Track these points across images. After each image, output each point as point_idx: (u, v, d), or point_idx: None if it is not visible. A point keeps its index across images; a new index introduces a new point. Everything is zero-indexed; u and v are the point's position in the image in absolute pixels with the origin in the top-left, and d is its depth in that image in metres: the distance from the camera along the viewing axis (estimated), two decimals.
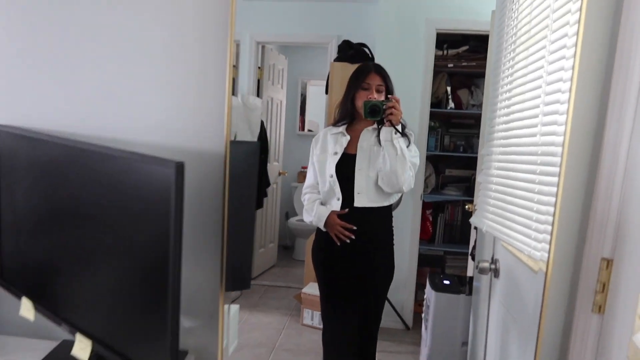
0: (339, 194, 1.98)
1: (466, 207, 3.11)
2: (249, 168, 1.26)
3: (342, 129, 2.05)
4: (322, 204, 2.06)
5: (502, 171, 1.58)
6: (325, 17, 4.25)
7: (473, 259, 2.67)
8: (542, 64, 1.26)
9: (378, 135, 1.95)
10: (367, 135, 1.99)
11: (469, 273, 2.95)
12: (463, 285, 2.34)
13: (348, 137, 2.02)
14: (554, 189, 1.18)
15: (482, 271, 1.79)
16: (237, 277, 1.32)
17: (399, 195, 2.08)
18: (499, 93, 1.69)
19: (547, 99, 1.23)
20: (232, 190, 1.24)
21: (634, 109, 0.90)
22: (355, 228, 1.97)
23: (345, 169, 1.98)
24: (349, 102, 2.02)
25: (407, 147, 1.93)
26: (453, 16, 3.50)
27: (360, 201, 1.96)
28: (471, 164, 3.90)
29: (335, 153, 2.01)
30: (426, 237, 3.88)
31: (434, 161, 3.90)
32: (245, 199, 1.28)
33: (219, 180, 1.23)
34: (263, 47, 4.54)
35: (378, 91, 1.96)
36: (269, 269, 5.05)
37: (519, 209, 1.42)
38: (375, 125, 1.98)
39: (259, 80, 4.56)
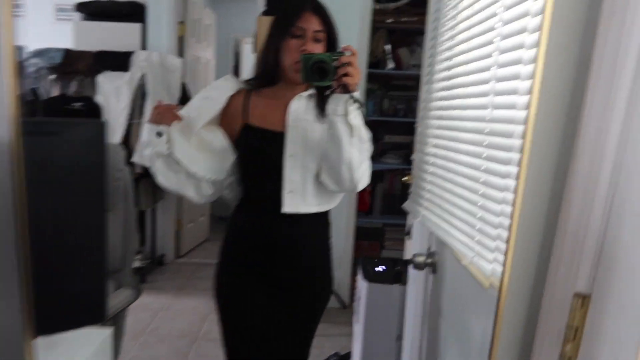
0: (257, 191, 1.41)
1: (403, 178, 2.86)
2: (90, 158, 0.89)
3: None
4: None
5: (441, 150, 1.28)
6: None
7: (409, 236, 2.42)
8: (497, 9, 0.94)
9: (320, 105, 1.37)
10: (300, 105, 1.37)
11: (405, 254, 2.71)
12: (399, 271, 2.08)
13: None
14: (509, 182, 0.89)
15: (417, 266, 1.51)
16: (85, 308, 0.96)
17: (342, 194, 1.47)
18: (437, 52, 1.37)
19: (502, 58, 0.91)
20: (64, 190, 0.86)
21: (633, 68, 0.59)
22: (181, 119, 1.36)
23: (268, 153, 1.37)
24: (271, 57, 1.36)
25: None
26: None
27: (291, 204, 1.35)
28: (412, 129, 3.63)
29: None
30: (364, 208, 3.62)
31: (372, 127, 3.58)
32: (88, 200, 0.91)
33: (5, 179, 0.82)
34: None
35: (316, 40, 1.32)
36: (200, 244, 4.68)
37: (461, 202, 1.12)
38: (310, 90, 1.39)
39: (181, 37, 4.05)
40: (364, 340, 2.03)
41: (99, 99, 3.43)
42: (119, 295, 1.74)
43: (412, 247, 1.80)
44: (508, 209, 0.89)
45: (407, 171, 3.51)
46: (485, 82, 0.98)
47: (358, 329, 2.10)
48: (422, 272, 1.58)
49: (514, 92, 0.87)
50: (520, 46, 0.83)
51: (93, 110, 3.41)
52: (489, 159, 0.97)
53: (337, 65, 1.20)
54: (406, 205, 1.55)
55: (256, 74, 1.44)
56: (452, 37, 1.28)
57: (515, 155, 0.86)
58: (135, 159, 3.42)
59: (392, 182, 3.59)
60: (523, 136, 0.74)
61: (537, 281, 0.75)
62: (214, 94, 1.41)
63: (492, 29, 0.95)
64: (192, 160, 1.35)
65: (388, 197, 3.61)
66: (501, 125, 0.92)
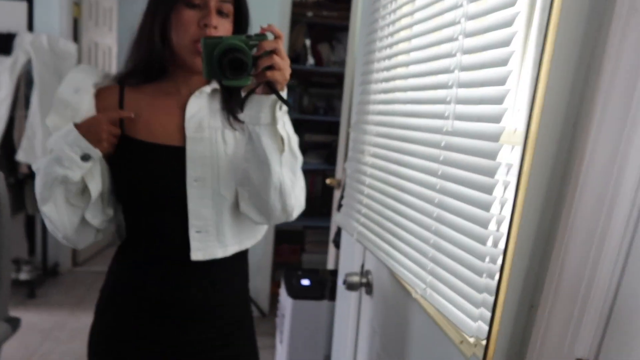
0: (143, 235, 1.04)
1: (326, 181, 2.71)
2: None
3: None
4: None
5: (382, 161, 1.12)
6: None
7: (336, 246, 2.28)
8: None
9: (225, 107, 1.03)
10: (201, 106, 1.02)
11: (330, 262, 2.57)
12: (325, 285, 1.92)
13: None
14: (471, 209, 0.74)
15: (351, 287, 1.36)
16: None
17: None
18: (374, 48, 1.21)
19: (467, 59, 0.76)
20: None
21: None
22: (132, 116, 0.99)
23: (162, 179, 1.00)
24: (154, 36, 0.98)
25: None
26: None
27: (203, 249, 1.01)
28: (333, 128, 3.51)
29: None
30: None
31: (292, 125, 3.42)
32: None
33: None
34: None
35: (221, 14, 0.97)
36: (102, 250, 4.21)
37: (408, 224, 0.97)
38: (211, 85, 1.03)
39: (76, 20, 3.59)
40: None
41: None
42: None
43: (343, 262, 1.65)
44: (467, 241, 0.75)
45: (328, 171, 3.39)
46: (443, 86, 0.83)
47: (282, 349, 1.92)
48: (353, 297, 1.43)
49: (482, 101, 0.72)
50: (495, 44, 0.68)
51: None
52: (446, 177, 0.83)
53: (257, 55, 0.84)
54: (339, 219, 1.38)
55: (131, 65, 1.03)
56: (393, 33, 1.13)
57: (483, 179, 0.71)
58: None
59: (312, 183, 3.43)
60: (520, 154, 0.59)
61: (522, 342, 0.61)
62: (74, 100, 0.98)
63: (453, 22, 0.79)
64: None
65: (309, 198, 3.42)
66: (464, 140, 0.77)
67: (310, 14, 3.19)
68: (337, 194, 2.50)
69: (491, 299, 0.64)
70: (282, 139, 0.91)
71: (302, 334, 1.82)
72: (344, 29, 3.28)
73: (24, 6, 3.31)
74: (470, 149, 0.75)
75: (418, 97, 0.97)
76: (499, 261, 0.64)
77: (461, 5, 0.77)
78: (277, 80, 0.86)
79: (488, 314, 0.66)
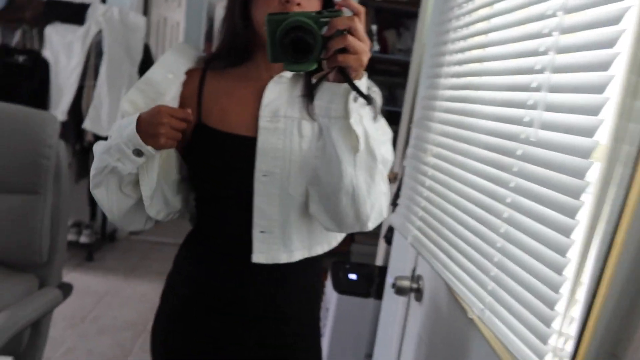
0: (210, 229, 0.99)
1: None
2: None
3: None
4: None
5: (446, 164, 1.03)
6: None
7: (387, 242, 2.20)
8: None
9: (307, 92, 0.91)
10: (280, 93, 0.93)
11: (379, 257, 2.50)
12: (372, 281, 1.86)
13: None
14: (545, 231, 0.65)
15: (400, 291, 1.29)
16: None
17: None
18: (445, 40, 1.12)
19: (560, 59, 0.66)
20: None
21: None
22: (191, 119, 0.87)
23: (229, 171, 0.93)
24: (236, 17, 0.91)
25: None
26: None
27: (265, 251, 0.93)
28: (393, 118, 3.39)
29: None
30: None
31: None
32: None
33: None
34: None
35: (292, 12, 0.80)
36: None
37: (470, 236, 0.89)
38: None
39: None
40: (329, 355, 1.81)
41: (47, 54, 3.04)
42: (39, 297, 1.45)
43: (393, 263, 1.57)
44: (540, 267, 0.66)
45: None
46: (525, 88, 0.73)
47: (323, 342, 1.88)
48: (401, 302, 1.36)
49: (574, 110, 0.62)
50: (597, 44, 0.58)
51: (39, 66, 3.01)
52: (520, 192, 0.73)
53: (328, 35, 0.71)
54: (393, 219, 1.31)
55: (217, 48, 0.97)
56: (469, 24, 1.03)
57: (565, 199, 0.62)
58: (87, 125, 3.06)
59: None
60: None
61: None
62: (163, 84, 0.93)
63: (543, 16, 0.69)
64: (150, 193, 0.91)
65: None
66: (546, 152, 0.67)
67: None
68: (392, 188, 2.42)
69: (563, 342, 0.56)
70: (356, 137, 0.76)
71: (344, 329, 1.78)
72: (413, 15, 3.14)
73: None
74: (553, 163, 0.65)
75: (493, 97, 0.88)
76: (579, 295, 0.55)
77: None
78: (351, 65, 0.71)
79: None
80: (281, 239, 0.93)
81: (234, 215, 0.94)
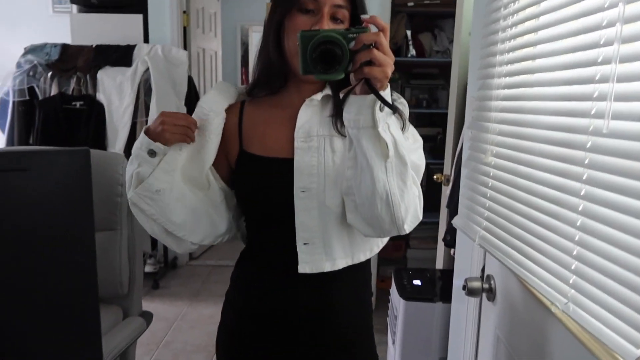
0: (259, 245, 1.05)
1: (434, 177, 2.61)
2: (73, 191, 0.67)
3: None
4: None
5: (508, 162, 1.04)
6: None
7: (447, 245, 2.20)
8: None
9: (335, 112, 0.98)
10: (312, 115, 1.00)
11: (439, 261, 2.49)
12: (435, 285, 1.86)
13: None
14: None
15: (471, 293, 1.29)
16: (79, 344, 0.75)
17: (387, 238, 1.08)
18: (495, 39, 1.13)
19: (626, 49, 0.67)
20: (42, 230, 0.65)
21: None
22: (192, 121, 0.99)
23: (272, 191, 1.00)
24: (271, 45, 0.99)
25: (402, 132, 0.92)
26: None
27: (310, 261, 0.99)
28: (437, 120, 3.40)
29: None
30: None
31: None
32: (73, 241, 0.69)
33: None
34: None
35: (335, 20, 0.94)
36: (215, 245, 4.45)
37: (544, 232, 0.89)
38: (322, 92, 1.00)
39: (185, 28, 3.81)
40: None
41: (100, 96, 3.22)
42: (126, 326, 1.54)
43: (459, 265, 1.58)
44: (625, 255, 0.66)
45: (432, 165, 3.28)
46: (589, 80, 0.74)
47: (395, 350, 1.89)
48: (472, 302, 1.36)
49: None
50: None
51: (95, 109, 3.20)
52: (594, 183, 0.74)
53: (356, 49, 0.77)
54: (457, 222, 1.32)
55: (254, 77, 1.04)
56: (517, 24, 1.04)
57: None
58: None
59: None
60: None
61: None
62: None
63: (602, 7, 0.70)
64: (173, 211, 0.97)
65: None
66: (619, 141, 0.68)
67: (411, 3, 3.10)
68: (445, 190, 2.41)
69: None
70: (385, 144, 0.82)
71: (415, 335, 1.78)
72: (447, 15, 3.14)
73: (139, 19, 3.58)
74: (628, 152, 0.66)
75: (552, 93, 0.89)
76: None
77: None
78: (376, 77, 0.77)
79: None
80: (323, 249, 0.99)
81: (279, 231, 1.00)
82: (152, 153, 0.94)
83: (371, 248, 1.06)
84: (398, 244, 3.44)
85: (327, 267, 0.99)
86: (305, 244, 0.98)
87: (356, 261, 1.03)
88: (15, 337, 0.70)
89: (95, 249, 0.74)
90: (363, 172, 0.86)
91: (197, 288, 3.62)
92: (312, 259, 0.98)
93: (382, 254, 3.38)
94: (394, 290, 1.94)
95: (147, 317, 1.63)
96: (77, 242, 0.69)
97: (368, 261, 1.08)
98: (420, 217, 0.95)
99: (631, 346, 0.65)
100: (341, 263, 1.01)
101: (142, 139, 0.95)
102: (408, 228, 0.92)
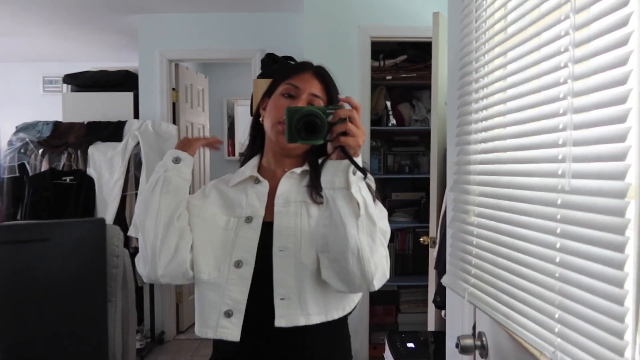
0: (237, 305, 1.06)
1: (421, 239, 2.68)
2: (88, 258, 0.71)
3: (251, 170, 1.17)
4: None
5: (489, 221, 1.12)
6: (246, 29, 3.75)
7: (437, 306, 2.22)
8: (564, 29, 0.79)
9: (311, 184, 1.12)
10: (289, 185, 1.14)
11: (430, 323, 2.50)
12: (429, 347, 1.87)
13: (267, 185, 1.15)
14: (614, 274, 0.72)
15: (464, 350, 1.32)
16: None
17: (360, 296, 1.16)
18: (472, 110, 1.24)
19: (578, 102, 0.77)
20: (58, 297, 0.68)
21: None
22: (219, 141, 1.21)
23: (253, 250, 1.09)
24: (254, 122, 1.21)
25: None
26: (388, 22, 3.11)
27: (286, 315, 1.04)
28: (419, 185, 3.51)
29: (249, 219, 1.11)
30: None
31: (378, 185, 3.46)
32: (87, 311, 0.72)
33: None
34: (177, 65, 3.96)
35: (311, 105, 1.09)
36: None
37: (527, 284, 0.95)
38: (302, 167, 1.16)
39: (174, 104, 3.96)
40: None
41: (91, 171, 3.28)
42: None
43: (451, 324, 1.61)
44: (602, 302, 0.72)
45: (417, 229, 3.36)
46: (552, 145, 0.84)
47: None
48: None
49: (600, 158, 0.72)
50: (610, 102, 0.69)
51: (85, 184, 3.24)
52: (568, 236, 0.81)
53: (333, 122, 0.92)
54: (446, 280, 1.37)
55: (245, 149, 1.23)
56: (488, 96, 1.15)
57: (612, 236, 0.70)
58: (131, 232, 3.22)
59: (403, 242, 3.41)
60: None
61: None
62: (200, 202, 1.18)
63: (558, 66, 0.81)
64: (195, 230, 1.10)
65: (400, 257, 3.42)
66: (584, 197, 0.76)
67: (389, 77, 3.30)
68: (432, 252, 2.46)
69: None
70: (358, 204, 0.93)
71: None
72: (424, 87, 3.35)
73: (130, 97, 3.72)
74: (592, 206, 0.74)
75: (522, 156, 0.98)
76: None
77: (567, 66, 0.79)
78: (350, 145, 0.91)
79: None
80: (298, 304, 1.04)
81: (259, 287, 1.06)
82: (177, 160, 1.10)
83: (344, 307, 1.11)
84: (389, 309, 3.43)
85: (302, 322, 1.04)
86: (281, 299, 1.04)
87: (330, 318, 1.08)
88: None
89: (107, 312, 0.77)
90: (337, 229, 0.96)
91: None
92: (288, 313, 1.03)
93: (374, 320, 3.37)
94: (388, 355, 1.93)
95: None
96: (92, 305, 0.72)
97: (344, 321, 1.14)
98: (387, 276, 1.03)
99: None
100: (315, 319, 1.05)
101: (168, 153, 1.12)
102: (377, 284, 1.00)
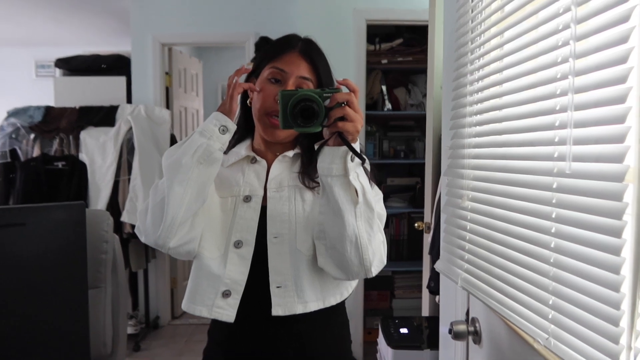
0: (235, 286, 1.02)
1: (415, 225, 2.66)
2: (68, 243, 0.69)
3: (246, 150, 1.11)
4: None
5: (484, 206, 1.10)
6: (240, 12, 3.68)
7: (431, 291, 2.21)
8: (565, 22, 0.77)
9: (303, 170, 1.08)
10: (281, 169, 1.09)
11: (424, 308, 2.50)
12: (423, 332, 1.86)
13: (264, 165, 1.10)
14: (610, 259, 0.70)
15: (458, 336, 1.30)
16: None
17: (357, 280, 1.10)
18: (464, 92, 1.21)
19: (579, 98, 0.74)
20: (36, 283, 0.66)
21: None
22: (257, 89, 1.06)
23: (253, 230, 1.05)
24: (244, 105, 1.13)
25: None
26: (384, 5, 3.05)
27: (282, 304, 1.01)
28: (415, 170, 3.49)
29: (248, 198, 1.06)
30: None
31: (373, 169, 3.43)
32: (66, 295, 0.70)
33: None
34: (170, 49, 3.90)
35: (300, 89, 1.02)
36: None
37: (521, 270, 0.93)
38: (294, 150, 1.10)
39: (167, 88, 3.91)
40: None
41: (83, 156, 3.24)
42: None
43: (444, 309, 1.60)
44: (597, 288, 0.71)
45: (413, 214, 3.34)
46: (549, 127, 0.81)
47: None
48: (459, 346, 1.38)
49: (600, 140, 0.69)
50: (610, 82, 0.66)
51: (77, 169, 3.21)
52: (563, 221, 0.79)
53: (330, 106, 0.88)
54: (439, 266, 1.35)
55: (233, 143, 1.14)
56: (484, 77, 1.12)
57: (609, 221, 0.68)
58: (124, 218, 3.20)
59: (398, 227, 3.40)
60: None
61: None
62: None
63: (555, 62, 0.78)
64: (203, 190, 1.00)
65: (395, 242, 3.42)
66: (581, 181, 0.74)
67: (384, 61, 3.25)
68: (427, 238, 2.45)
69: (634, 357, 0.59)
70: (356, 191, 0.91)
71: None
72: (420, 71, 3.31)
73: (123, 80, 3.67)
74: (589, 190, 0.71)
75: (518, 139, 0.95)
76: None
77: (568, 44, 0.76)
78: (348, 130, 0.87)
79: None
80: (295, 292, 1.01)
81: (256, 272, 1.03)
82: (224, 130, 0.98)
83: (341, 292, 1.09)
84: (383, 295, 3.43)
85: (299, 310, 1.01)
86: (278, 287, 1.01)
87: (327, 305, 1.05)
88: None
89: (87, 299, 0.75)
90: (334, 217, 0.93)
91: (179, 348, 3.52)
92: (285, 302, 1.01)
93: (368, 305, 3.37)
94: (381, 340, 1.93)
95: None
96: (70, 293, 0.70)
97: (342, 305, 1.12)
98: (384, 262, 1.01)
99: None
100: (313, 306, 1.03)
101: (216, 116, 0.99)
102: (375, 271, 0.97)
